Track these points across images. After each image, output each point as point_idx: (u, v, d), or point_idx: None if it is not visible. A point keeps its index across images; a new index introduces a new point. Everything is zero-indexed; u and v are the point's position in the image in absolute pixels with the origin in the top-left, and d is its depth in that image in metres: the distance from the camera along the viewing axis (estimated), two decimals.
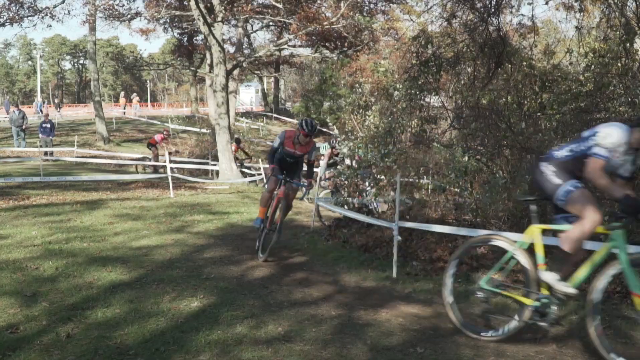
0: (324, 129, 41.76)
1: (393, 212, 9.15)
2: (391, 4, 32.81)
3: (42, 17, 24.11)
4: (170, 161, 17.62)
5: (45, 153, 24.71)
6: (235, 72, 31.49)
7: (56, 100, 50.51)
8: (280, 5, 25.30)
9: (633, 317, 5.16)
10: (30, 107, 56.77)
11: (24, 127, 27.31)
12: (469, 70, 12.18)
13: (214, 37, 21.65)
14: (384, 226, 9.11)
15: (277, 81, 59.30)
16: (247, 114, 50.23)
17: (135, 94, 62.65)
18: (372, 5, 32.64)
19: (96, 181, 17.68)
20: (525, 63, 11.23)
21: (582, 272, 5.13)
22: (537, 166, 5.52)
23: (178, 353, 4.90)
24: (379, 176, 11.28)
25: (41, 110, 49.36)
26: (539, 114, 10.35)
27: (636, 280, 4.79)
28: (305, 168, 9.38)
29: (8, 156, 25.17)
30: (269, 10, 29.30)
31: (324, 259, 9.06)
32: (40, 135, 26.16)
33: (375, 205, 11.38)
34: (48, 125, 26.43)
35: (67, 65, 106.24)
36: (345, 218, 11.19)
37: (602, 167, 4.98)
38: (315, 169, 12.41)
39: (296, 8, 26.11)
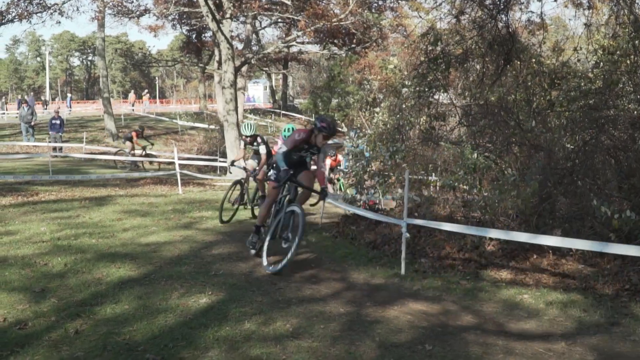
0: None
1: (401, 209, 9.14)
2: (400, 1, 32.76)
3: (51, 14, 24.16)
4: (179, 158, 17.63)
5: (54, 149, 24.75)
6: (244, 68, 31.51)
7: (42, 98, 49.43)
8: (288, 2, 25.32)
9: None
10: (39, 103, 56.68)
11: (32, 123, 27.38)
12: (478, 67, 12.15)
13: (223, 34, 21.67)
14: (393, 223, 9.10)
15: (285, 78, 59.28)
16: (255, 111, 50.29)
17: (146, 91, 62.88)
18: (380, 2, 32.55)
19: (105, 177, 17.71)
20: (534, 60, 11.19)
21: None
22: None
23: (187, 349, 4.91)
24: (387, 173, 11.28)
25: (70, 106, 49.47)
26: (548, 111, 10.32)
27: None
28: None
29: (17, 152, 25.27)
30: (278, 7, 29.30)
31: (332, 255, 9.06)
32: (49, 132, 26.21)
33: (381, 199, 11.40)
34: (57, 122, 26.46)
35: (75, 61, 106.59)
36: (353, 215, 11.20)
37: None
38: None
39: (305, 5, 26.13)
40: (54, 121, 26.40)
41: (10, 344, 4.84)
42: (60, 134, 26.53)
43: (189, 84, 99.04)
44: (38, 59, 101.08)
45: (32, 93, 69.55)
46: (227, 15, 23.04)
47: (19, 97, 58.56)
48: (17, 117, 32.08)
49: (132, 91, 63.93)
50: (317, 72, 56.98)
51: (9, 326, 5.26)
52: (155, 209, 12.56)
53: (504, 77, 11.44)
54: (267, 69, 47.43)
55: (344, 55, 32.23)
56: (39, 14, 24.00)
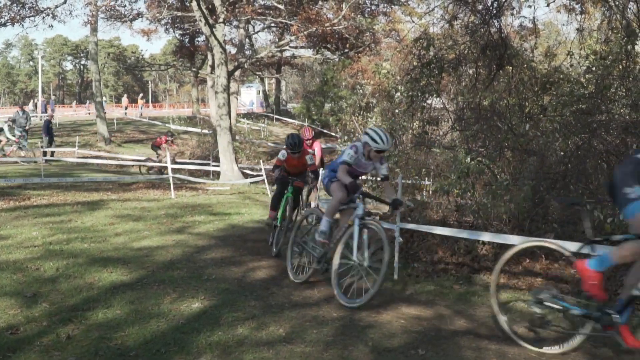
0: (325, 131, 41.79)
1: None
2: (392, 6, 32.82)
3: (44, 18, 24.10)
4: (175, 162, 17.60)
5: (45, 153, 24.67)
6: (237, 73, 31.52)
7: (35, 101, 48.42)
8: (281, 7, 25.34)
9: None
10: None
11: (27, 128, 27.27)
12: (471, 72, 12.17)
13: (216, 38, 21.66)
14: (385, 228, 9.09)
15: (278, 82, 59.29)
16: (248, 115, 50.27)
17: (141, 95, 62.90)
18: (373, 7, 32.64)
19: (97, 182, 17.66)
20: (526, 65, 11.22)
21: None
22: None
23: (179, 354, 4.89)
24: None
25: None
26: (540, 115, 10.34)
27: None
28: None
29: (9, 156, 25.16)
30: (271, 12, 29.33)
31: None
32: (43, 136, 26.09)
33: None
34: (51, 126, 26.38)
35: (68, 65, 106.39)
36: None
37: None
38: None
39: (298, 9, 26.16)
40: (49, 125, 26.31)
41: (1, 349, 4.82)
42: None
43: (182, 88, 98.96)
44: (31, 62, 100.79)
45: (53, 97, 69.29)
46: (220, 20, 23.03)
47: (40, 99, 57.96)
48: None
49: (125, 95, 63.82)
50: (310, 76, 57.02)
51: (1, 331, 5.23)
52: (147, 214, 12.52)
53: (497, 82, 11.47)
54: (260, 73, 47.43)
55: (337, 59, 32.27)
56: (31, 18, 23.94)
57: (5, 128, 24.36)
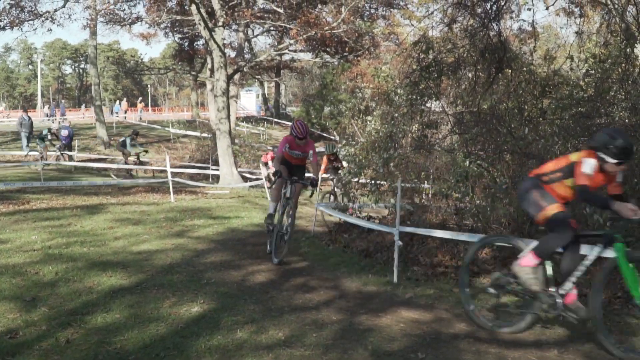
0: (324, 134, 41.81)
1: (394, 217, 9.13)
2: (392, 9, 32.88)
3: (43, 21, 24.02)
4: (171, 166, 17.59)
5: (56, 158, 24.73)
6: (236, 76, 31.53)
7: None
8: (281, 10, 25.33)
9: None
10: (33, 111, 56.18)
11: (32, 132, 27.43)
12: (470, 75, 12.18)
13: (215, 42, 21.67)
14: (385, 231, 9.10)
15: (277, 86, 59.30)
16: (247, 119, 50.27)
17: (141, 98, 63.01)
18: (372, 11, 32.70)
19: (96, 185, 17.65)
20: (525, 69, 11.23)
21: None
22: None
23: (178, 358, 4.88)
24: (379, 182, 11.28)
25: (117, 113, 49.16)
26: (539, 119, 10.34)
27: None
28: None
29: (8, 160, 25.15)
30: (270, 15, 29.32)
31: (324, 263, 9.04)
32: (62, 142, 26.04)
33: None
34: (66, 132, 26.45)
35: (67, 69, 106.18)
36: (346, 223, 11.19)
37: None
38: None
39: (297, 13, 26.16)
40: (63, 132, 26.32)
41: (1, 353, 4.81)
42: (64, 142, 26.30)
43: (181, 92, 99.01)
44: (30, 66, 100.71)
45: (63, 100, 69.26)
46: (220, 23, 23.02)
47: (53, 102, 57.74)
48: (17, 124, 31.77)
49: (125, 99, 63.85)
50: (309, 80, 57.04)
51: (0, 335, 5.22)
52: (147, 217, 12.52)
53: (496, 85, 11.47)
54: (259, 76, 47.43)
55: (336, 63, 32.29)
56: (30, 22, 23.89)
57: (128, 141, 24.22)
